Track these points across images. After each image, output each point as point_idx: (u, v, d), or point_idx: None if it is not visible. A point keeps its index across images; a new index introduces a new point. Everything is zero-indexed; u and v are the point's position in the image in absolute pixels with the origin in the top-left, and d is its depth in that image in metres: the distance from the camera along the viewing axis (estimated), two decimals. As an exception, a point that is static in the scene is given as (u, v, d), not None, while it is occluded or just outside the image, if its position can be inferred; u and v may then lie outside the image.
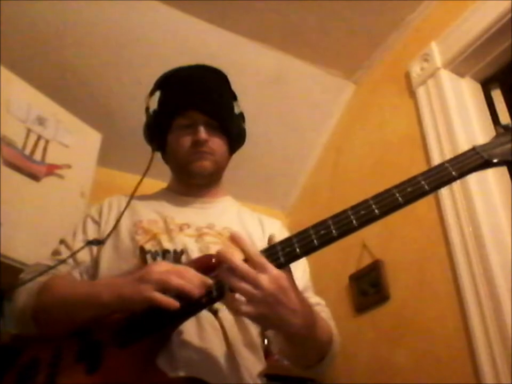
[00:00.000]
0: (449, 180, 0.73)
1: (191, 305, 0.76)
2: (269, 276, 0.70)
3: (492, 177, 1.58)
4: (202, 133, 1.05)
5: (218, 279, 0.74)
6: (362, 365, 1.84)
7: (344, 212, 0.73)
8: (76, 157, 1.73)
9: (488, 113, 1.73)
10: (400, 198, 0.72)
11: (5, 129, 1.51)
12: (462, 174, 0.73)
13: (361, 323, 1.89)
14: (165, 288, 0.74)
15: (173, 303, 0.73)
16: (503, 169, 1.61)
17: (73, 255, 0.99)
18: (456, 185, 1.60)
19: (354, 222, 0.72)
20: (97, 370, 0.78)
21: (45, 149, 1.63)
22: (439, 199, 1.66)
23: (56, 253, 1.04)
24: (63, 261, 0.98)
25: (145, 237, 0.99)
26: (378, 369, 1.76)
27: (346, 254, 2.04)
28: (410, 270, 1.74)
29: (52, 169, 1.64)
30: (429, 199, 1.70)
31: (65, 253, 1.01)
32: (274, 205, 2.67)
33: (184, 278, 0.75)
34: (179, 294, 0.73)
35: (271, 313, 0.71)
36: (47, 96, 1.70)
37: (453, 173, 0.73)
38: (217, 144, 1.08)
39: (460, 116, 1.69)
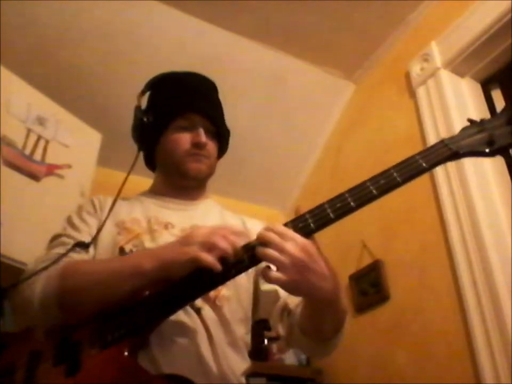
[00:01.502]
0: (420, 171, 0.77)
1: (216, 275, 0.76)
2: (295, 243, 0.73)
3: (492, 177, 1.59)
4: (203, 136, 1.07)
5: (247, 247, 0.77)
6: (362, 365, 1.84)
7: (321, 205, 0.77)
8: (76, 157, 1.72)
9: (488, 113, 1.73)
10: (374, 190, 0.76)
11: (5, 129, 1.51)
12: (432, 165, 0.77)
13: (361, 323, 1.89)
14: (211, 250, 0.75)
15: (218, 264, 0.74)
16: (503, 169, 1.61)
17: (76, 244, 0.95)
18: (455, 185, 1.61)
19: (331, 214, 0.75)
20: (77, 372, 0.77)
21: (45, 149, 1.63)
22: (438, 199, 1.66)
23: (60, 244, 0.98)
24: (70, 249, 0.94)
25: (127, 237, 0.98)
26: (378, 369, 1.76)
27: (346, 254, 2.04)
28: (410, 270, 1.74)
29: (51, 169, 1.63)
30: (429, 199, 1.70)
31: (70, 244, 0.97)
32: (274, 205, 2.68)
33: (229, 240, 0.76)
34: (222, 256, 0.75)
35: (302, 280, 0.73)
36: (47, 96, 1.69)
37: (424, 164, 0.76)
38: (212, 148, 1.11)
39: (460, 116, 1.69)
